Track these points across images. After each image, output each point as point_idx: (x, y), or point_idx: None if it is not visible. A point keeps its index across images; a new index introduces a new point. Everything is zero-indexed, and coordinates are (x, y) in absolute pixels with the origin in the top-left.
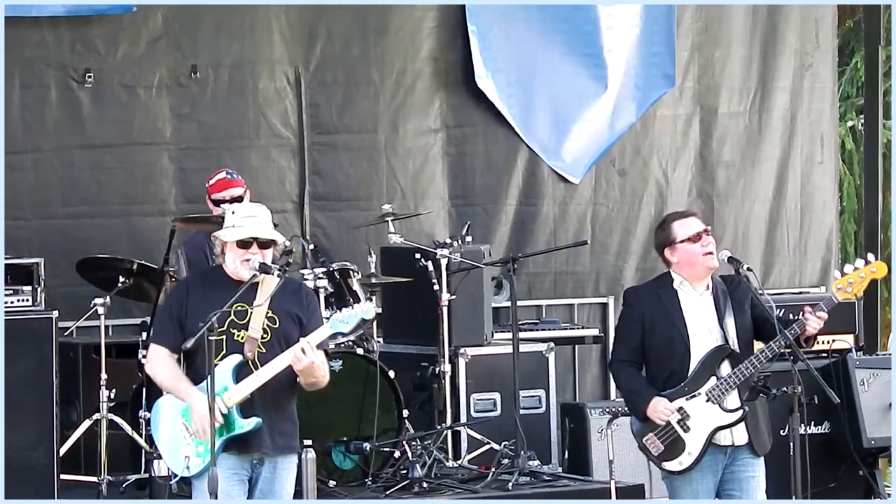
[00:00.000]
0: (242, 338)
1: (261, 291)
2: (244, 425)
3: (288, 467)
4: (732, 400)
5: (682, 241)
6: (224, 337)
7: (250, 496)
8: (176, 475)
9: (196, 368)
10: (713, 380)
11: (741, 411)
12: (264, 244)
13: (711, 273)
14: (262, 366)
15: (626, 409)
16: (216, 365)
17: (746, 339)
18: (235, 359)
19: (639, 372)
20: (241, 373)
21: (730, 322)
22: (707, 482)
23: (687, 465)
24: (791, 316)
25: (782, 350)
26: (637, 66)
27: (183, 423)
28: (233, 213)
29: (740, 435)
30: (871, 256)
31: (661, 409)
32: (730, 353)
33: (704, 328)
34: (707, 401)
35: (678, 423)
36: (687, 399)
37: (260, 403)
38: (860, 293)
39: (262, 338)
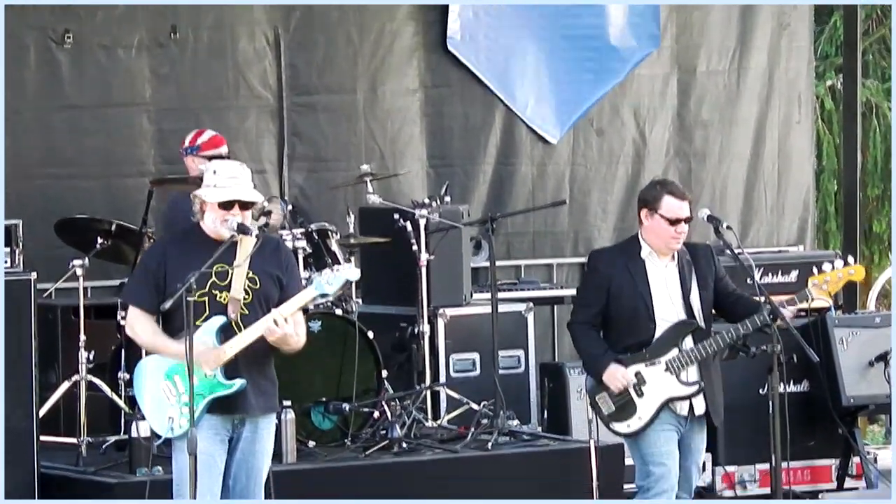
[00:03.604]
0: (224, 299)
1: (240, 251)
2: (228, 386)
3: (268, 427)
4: (691, 373)
5: (661, 215)
6: (206, 298)
7: (230, 456)
8: (160, 437)
9: (175, 329)
10: (675, 351)
11: (697, 386)
12: (245, 205)
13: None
14: (244, 327)
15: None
16: (199, 326)
17: (708, 315)
18: (219, 320)
19: (599, 335)
20: (224, 334)
21: (695, 297)
22: (671, 442)
23: (635, 430)
24: (770, 276)
25: (748, 333)
26: (622, 27)
27: (167, 384)
28: (214, 172)
29: (699, 406)
30: (850, 259)
31: (618, 376)
32: (695, 328)
33: (668, 300)
34: (665, 370)
35: (633, 387)
36: (646, 365)
37: (243, 364)
38: (833, 292)
39: (244, 299)
